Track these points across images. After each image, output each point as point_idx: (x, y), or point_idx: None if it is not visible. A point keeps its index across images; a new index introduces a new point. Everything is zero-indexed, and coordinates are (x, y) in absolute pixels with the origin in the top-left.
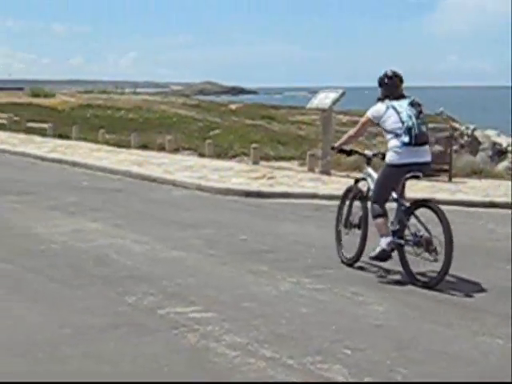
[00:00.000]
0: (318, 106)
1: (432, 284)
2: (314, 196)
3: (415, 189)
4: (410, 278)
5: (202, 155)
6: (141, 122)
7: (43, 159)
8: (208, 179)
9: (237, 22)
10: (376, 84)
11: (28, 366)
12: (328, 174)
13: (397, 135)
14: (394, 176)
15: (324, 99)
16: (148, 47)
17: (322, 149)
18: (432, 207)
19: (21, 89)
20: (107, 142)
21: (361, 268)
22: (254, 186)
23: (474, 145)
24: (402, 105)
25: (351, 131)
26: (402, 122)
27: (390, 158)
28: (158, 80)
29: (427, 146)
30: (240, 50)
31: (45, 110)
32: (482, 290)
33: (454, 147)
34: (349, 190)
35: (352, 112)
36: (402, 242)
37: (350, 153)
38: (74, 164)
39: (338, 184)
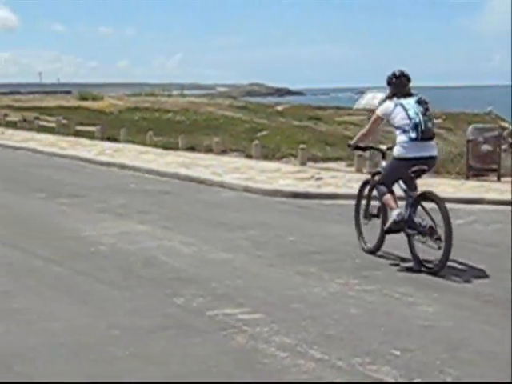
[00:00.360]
0: (366, 106)
1: (436, 270)
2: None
3: (463, 188)
4: (417, 265)
5: (249, 157)
6: (188, 124)
7: (91, 162)
8: (255, 181)
9: (282, 23)
10: (423, 83)
11: (77, 367)
12: None
13: (404, 131)
14: (401, 168)
15: (371, 99)
16: (194, 49)
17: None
18: (434, 199)
19: (69, 92)
20: (155, 145)
21: (384, 258)
22: (302, 187)
23: None
24: (410, 102)
25: (364, 129)
26: (410, 119)
27: (398, 151)
28: (204, 82)
29: (433, 142)
30: (286, 51)
31: (93, 113)
32: (486, 276)
33: (503, 146)
34: (366, 183)
35: None
36: (411, 231)
37: (365, 149)
38: (122, 166)
39: None
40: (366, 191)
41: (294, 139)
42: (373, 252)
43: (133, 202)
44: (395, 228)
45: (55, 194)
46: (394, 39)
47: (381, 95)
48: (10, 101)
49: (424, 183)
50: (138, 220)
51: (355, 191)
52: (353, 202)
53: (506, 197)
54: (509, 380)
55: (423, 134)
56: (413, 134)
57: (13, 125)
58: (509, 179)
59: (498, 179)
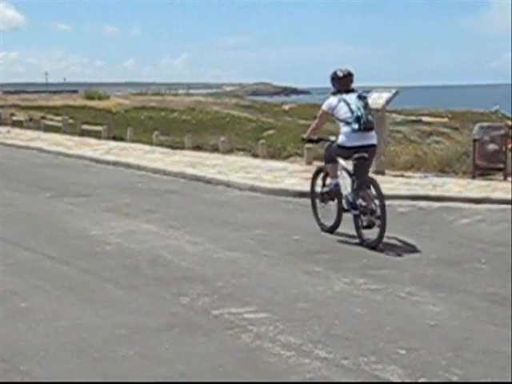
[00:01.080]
0: (372, 105)
1: (374, 244)
2: None
3: (470, 187)
4: (361, 241)
5: (255, 156)
6: (194, 123)
7: (98, 161)
8: (262, 180)
9: (288, 23)
10: (428, 82)
11: (84, 367)
12: (382, 173)
13: (348, 123)
14: (343, 154)
15: (377, 99)
16: (200, 49)
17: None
18: (374, 183)
19: (75, 91)
20: (161, 144)
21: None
22: (308, 187)
23: None
24: (352, 98)
25: (313, 124)
26: (352, 112)
27: (341, 140)
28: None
29: (373, 132)
30: (292, 50)
31: (99, 113)
32: (416, 251)
33: (509, 145)
34: (320, 170)
35: (406, 111)
36: (356, 211)
37: (317, 141)
38: (129, 166)
39: (391, 184)
40: (320, 178)
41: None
42: (331, 231)
43: (139, 201)
44: (330, 193)
45: (62, 193)
46: (399, 38)
47: (386, 95)
48: (16, 100)
49: (430, 182)
50: (144, 219)
51: None
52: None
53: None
54: (509, 380)
55: (364, 125)
56: (355, 126)
57: (19, 124)
58: None
59: (505, 178)
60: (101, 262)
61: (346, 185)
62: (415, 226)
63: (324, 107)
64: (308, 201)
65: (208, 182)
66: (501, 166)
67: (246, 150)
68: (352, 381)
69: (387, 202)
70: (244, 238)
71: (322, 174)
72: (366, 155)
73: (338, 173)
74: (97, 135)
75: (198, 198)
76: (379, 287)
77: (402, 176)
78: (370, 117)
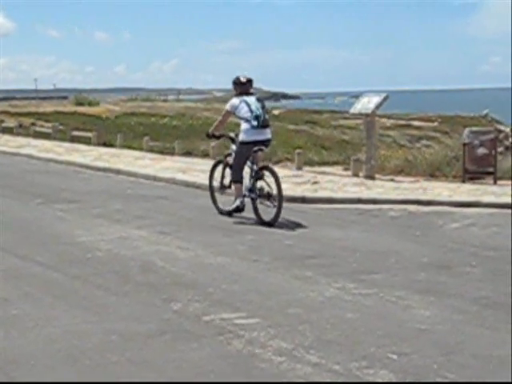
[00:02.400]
0: (361, 110)
1: (271, 222)
2: (359, 201)
3: (460, 191)
4: (259, 220)
5: None
6: (184, 128)
7: (88, 167)
8: None
9: (278, 28)
10: (419, 87)
11: (75, 374)
12: (372, 178)
13: (247, 121)
14: (246, 150)
15: (367, 104)
16: (190, 54)
17: (366, 153)
18: (270, 170)
19: (65, 98)
20: (151, 150)
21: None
22: (298, 192)
23: None
24: (251, 99)
25: (217, 121)
26: (252, 112)
27: (242, 137)
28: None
29: (268, 129)
30: (282, 55)
31: (89, 119)
32: (306, 227)
33: (499, 149)
34: (219, 162)
35: (395, 116)
36: (254, 195)
37: (219, 137)
38: (119, 172)
39: (382, 188)
40: (220, 169)
41: (291, 143)
42: (229, 213)
43: (129, 208)
44: (237, 210)
45: (52, 199)
46: (390, 43)
47: (376, 99)
48: (6, 107)
49: (420, 186)
50: (134, 225)
51: (352, 195)
52: (349, 206)
53: (503, 200)
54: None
55: (262, 123)
56: (254, 123)
57: (9, 131)
58: (505, 182)
59: (495, 182)
60: (91, 269)
61: (247, 172)
62: (406, 230)
63: (228, 107)
64: (299, 206)
65: (198, 187)
66: (490, 169)
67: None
68: (345, 381)
69: (377, 207)
70: (235, 244)
71: (220, 166)
72: (263, 147)
73: (242, 164)
74: (87, 141)
75: (188, 204)
76: (370, 292)
77: (392, 180)
78: (266, 116)
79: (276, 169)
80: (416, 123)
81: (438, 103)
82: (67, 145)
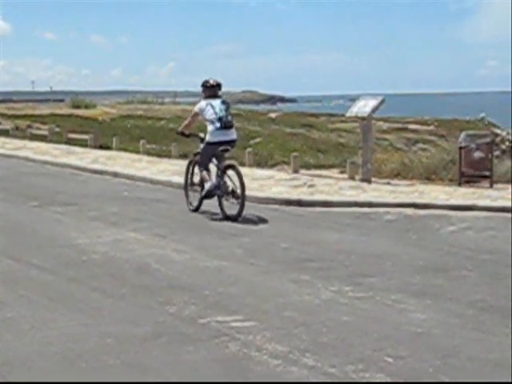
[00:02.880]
0: (358, 113)
1: (236, 217)
2: (355, 204)
3: (456, 195)
4: (224, 215)
5: (242, 164)
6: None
7: (84, 170)
8: (249, 188)
9: (275, 31)
10: (415, 90)
11: (71, 376)
12: (368, 181)
13: (212, 122)
14: (211, 150)
15: (363, 107)
16: (187, 57)
17: (363, 156)
18: (235, 169)
19: (61, 100)
20: (148, 152)
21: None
22: (295, 195)
23: None
24: (217, 102)
25: (186, 121)
26: (216, 114)
27: (208, 138)
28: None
29: (233, 129)
30: (279, 58)
31: (86, 121)
32: (266, 222)
33: (495, 153)
34: (191, 161)
35: (392, 119)
36: (220, 192)
37: (189, 135)
38: (115, 174)
39: (378, 192)
40: (191, 171)
41: (287, 146)
42: (195, 210)
43: (126, 210)
44: (208, 195)
45: (48, 202)
46: (387, 47)
47: (372, 102)
48: (2, 109)
49: (416, 190)
50: (131, 228)
51: (348, 198)
52: (345, 210)
53: (499, 203)
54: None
55: (225, 124)
56: (218, 124)
57: (5, 133)
58: (501, 186)
59: (491, 186)
60: (87, 271)
61: (212, 172)
62: (402, 233)
63: (195, 109)
64: (295, 209)
65: (195, 191)
66: (487, 173)
67: (233, 159)
68: (342, 381)
69: (373, 210)
70: (231, 247)
71: (194, 166)
72: (228, 148)
73: (210, 165)
74: (83, 144)
75: (184, 207)
76: (366, 295)
77: (388, 184)
78: (230, 117)
79: (244, 169)
80: (412, 126)
81: (435, 107)
82: (63, 147)
